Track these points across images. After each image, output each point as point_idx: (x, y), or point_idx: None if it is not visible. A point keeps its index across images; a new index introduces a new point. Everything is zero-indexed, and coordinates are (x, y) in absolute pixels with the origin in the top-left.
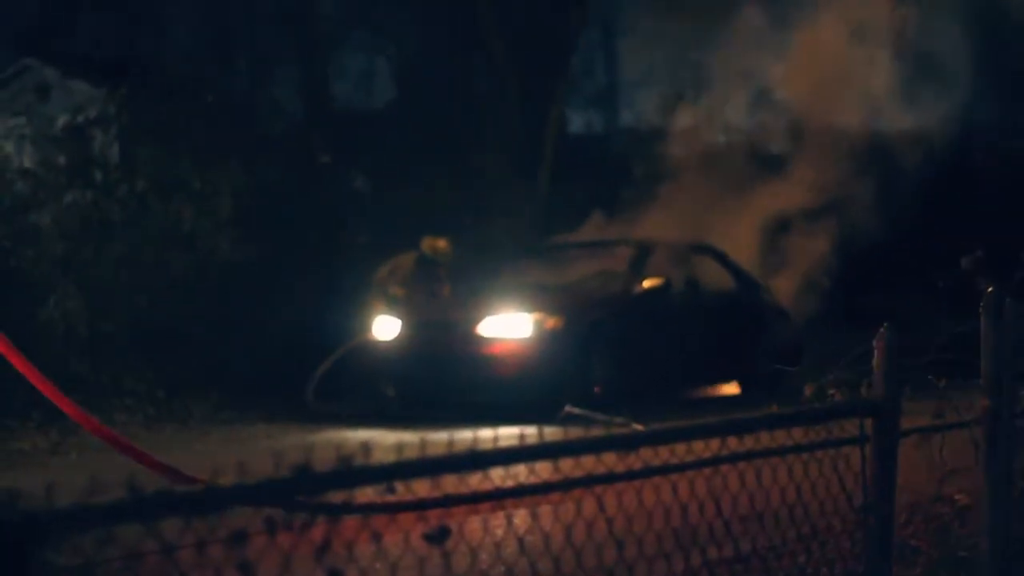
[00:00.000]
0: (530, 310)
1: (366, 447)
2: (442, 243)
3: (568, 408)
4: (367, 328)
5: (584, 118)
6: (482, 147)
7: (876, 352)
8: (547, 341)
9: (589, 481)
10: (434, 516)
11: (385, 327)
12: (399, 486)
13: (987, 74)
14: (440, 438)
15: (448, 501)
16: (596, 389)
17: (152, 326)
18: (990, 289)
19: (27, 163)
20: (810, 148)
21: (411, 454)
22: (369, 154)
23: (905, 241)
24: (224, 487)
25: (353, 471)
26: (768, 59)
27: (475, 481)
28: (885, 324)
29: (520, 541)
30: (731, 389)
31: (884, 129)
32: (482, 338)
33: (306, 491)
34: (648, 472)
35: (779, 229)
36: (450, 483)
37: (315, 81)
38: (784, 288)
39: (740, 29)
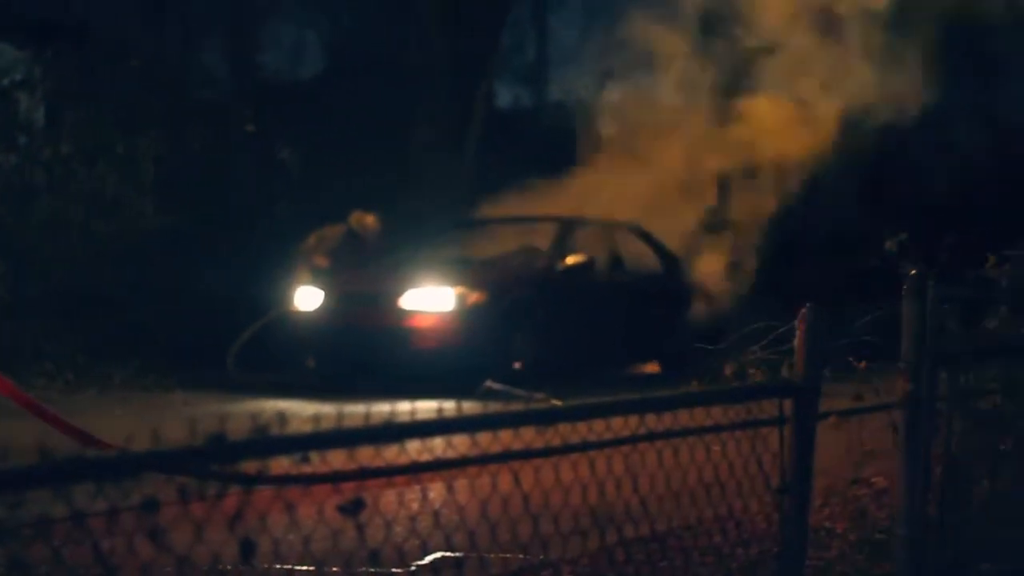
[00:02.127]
0: (453, 284)
1: (281, 417)
2: (370, 218)
3: (489, 383)
4: (290, 299)
5: (513, 93)
6: (411, 120)
7: (797, 333)
8: (469, 316)
9: (506, 456)
10: (349, 488)
11: (308, 298)
12: (314, 457)
13: (923, 59)
14: (358, 410)
15: (363, 473)
16: (517, 365)
17: (75, 291)
18: (913, 272)
19: None
20: (740, 128)
21: (327, 425)
22: (297, 125)
23: (833, 223)
24: (137, 453)
25: (267, 441)
26: (700, 36)
27: (391, 454)
28: (807, 305)
29: (436, 515)
30: (652, 367)
31: (817, 109)
32: (404, 311)
33: (219, 460)
34: (566, 449)
35: (706, 208)
36: (366, 455)
37: (244, 50)
38: (709, 267)
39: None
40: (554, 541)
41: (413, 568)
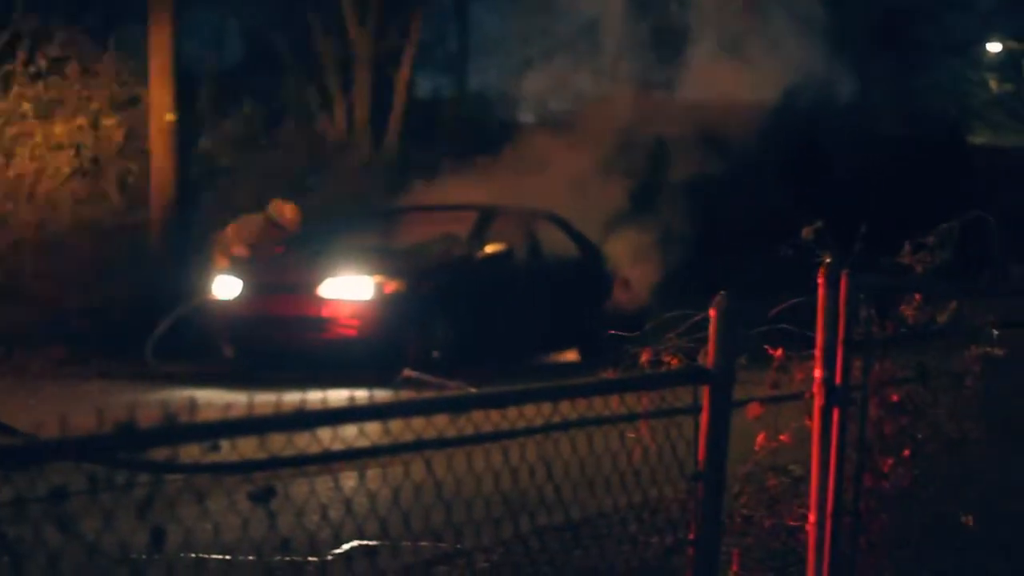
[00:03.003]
0: (371, 273)
1: (192, 405)
2: (289, 207)
3: (407, 371)
4: (209, 288)
5: (434, 82)
6: (331, 110)
7: (712, 320)
8: (387, 304)
9: (418, 445)
10: (260, 477)
11: (226, 287)
12: (224, 446)
13: (838, 49)
14: (270, 399)
15: (274, 462)
16: (435, 353)
17: None
18: (828, 260)
19: None
20: (657, 117)
21: (238, 413)
22: (216, 114)
23: (750, 211)
24: (44, 441)
25: (176, 429)
26: (618, 28)
27: (303, 443)
28: (722, 292)
29: (347, 503)
30: (571, 355)
31: (735, 100)
32: (323, 300)
33: (128, 448)
34: (479, 437)
35: (625, 197)
36: (277, 444)
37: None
38: (627, 255)
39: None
40: (468, 529)
41: (329, 557)
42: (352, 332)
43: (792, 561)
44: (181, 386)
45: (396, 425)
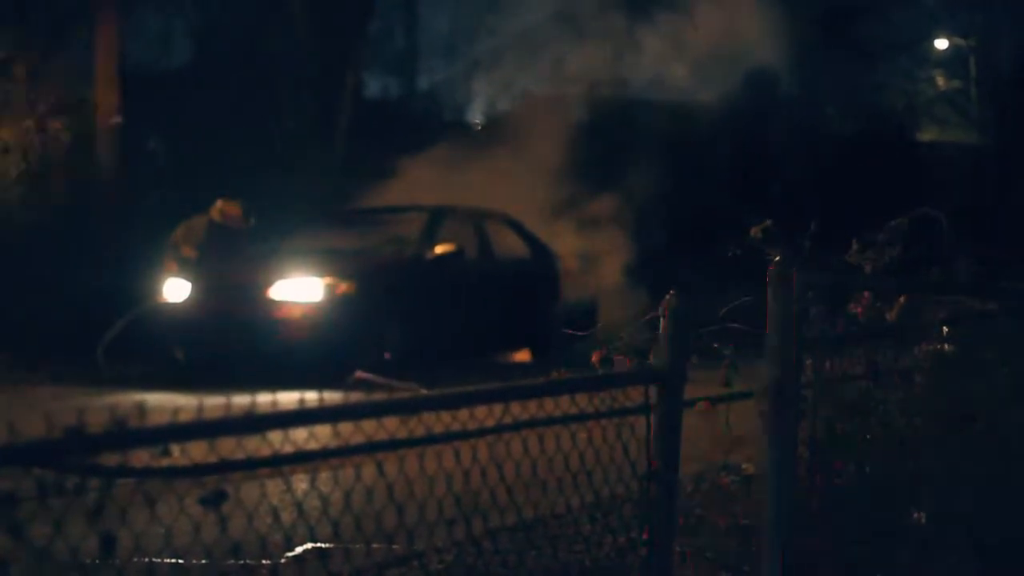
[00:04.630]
0: (322, 274)
1: (141, 409)
2: (233, 207)
3: (358, 373)
4: (159, 290)
5: (382, 82)
6: (279, 110)
7: (662, 319)
8: (338, 306)
9: (369, 447)
10: (211, 481)
11: (176, 289)
12: (175, 450)
13: (786, 48)
14: (220, 402)
15: (224, 466)
16: (387, 355)
17: None
18: (777, 259)
19: None
20: (606, 117)
21: (188, 417)
22: (165, 115)
23: (699, 210)
24: None
25: (126, 433)
26: (565, 29)
27: (253, 445)
28: (671, 291)
29: (299, 506)
30: (523, 356)
31: (683, 99)
32: (273, 302)
33: (77, 452)
34: (429, 439)
35: (574, 197)
36: (228, 447)
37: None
38: (577, 256)
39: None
40: (420, 531)
41: (282, 560)
42: (303, 334)
43: (746, 560)
44: (131, 390)
45: (346, 427)
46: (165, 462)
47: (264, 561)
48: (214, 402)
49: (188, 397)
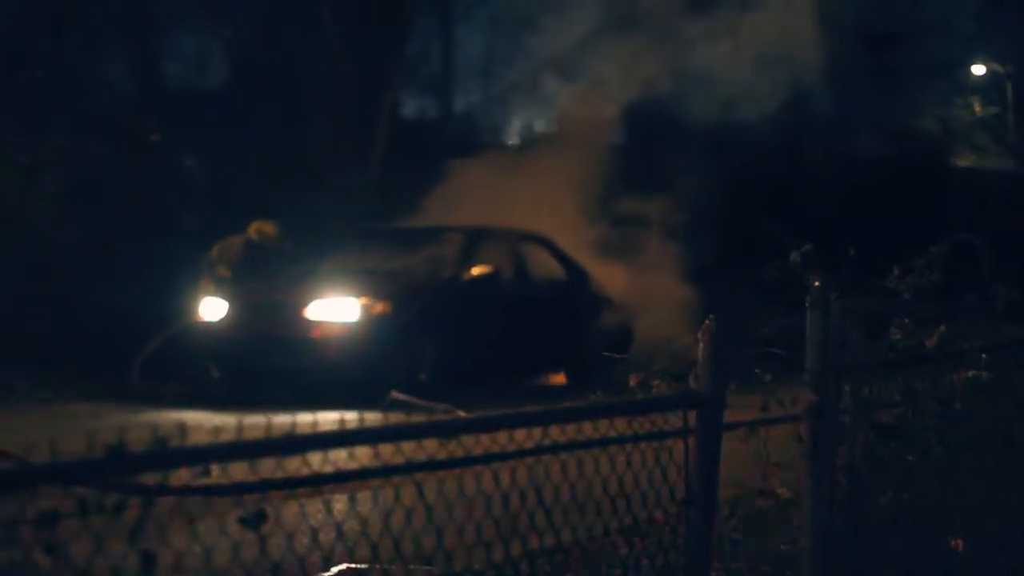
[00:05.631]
0: (358, 294)
1: (182, 428)
2: (270, 227)
3: (394, 394)
4: (195, 309)
5: (419, 103)
6: (316, 130)
7: (701, 343)
8: (374, 326)
9: (409, 468)
10: (251, 500)
11: (212, 309)
12: (215, 469)
13: (824, 72)
14: (259, 422)
15: (265, 485)
16: (422, 376)
17: None
18: (817, 284)
19: None
20: (643, 138)
21: (229, 437)
22: (202, 134)
23: (738, 233)
24: (35, 465)
25: (167, 452)
26: (603, 49)
27: (293, 466)
28: (711, 316)
29: (338, 527)
30: (558, 378)
31: (720, 120)
32: (309, 321)
33: (119, 471)
34: (469, 461)
35: (612, 219)
36: (268, 467)
37: (147, 59)
38: (614, 277)
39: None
40: (458, 553)
41: None
42: (338, 354)
43: None
44: (167, 408)
45: (386, 448)
46: (205, 481)
47: None
48: (253, 421)
49: (224, 416)
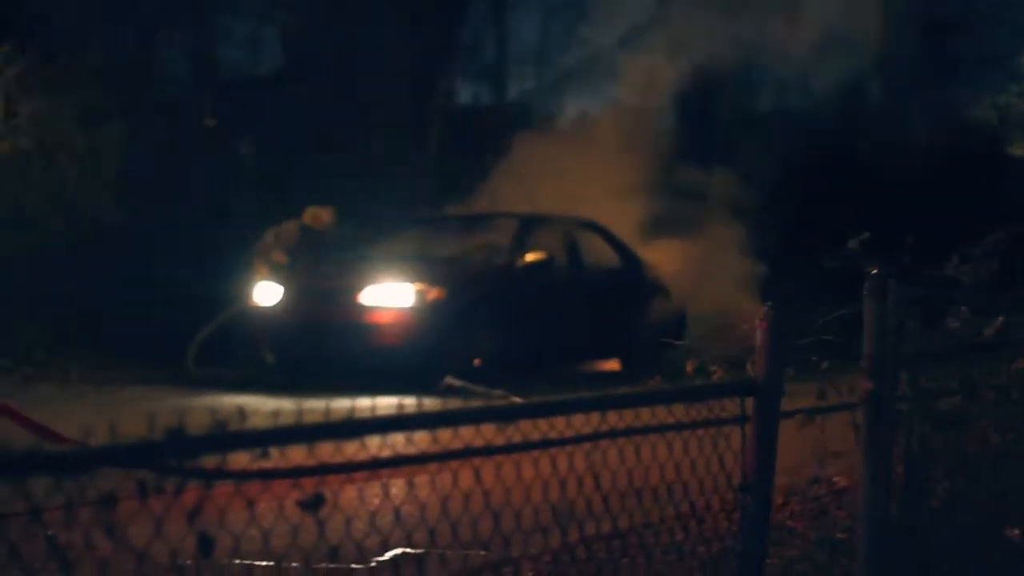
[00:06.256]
0: (412, 280)
1: (241, 412)
2: (325, 213)
3: (448, 379)
4: (250, 294)
5: (473, 90)
6: (370, 116)
7: (759, 331)
8: (428, 312)
9: (467, 453)
10: (309, 484)
11: (267, 294)
12: (273, 453)
13: (883, 58)
14: (317, 406)
15: (323, 469)
16: (477, 361)
17: (34, 286)
18: (874, 272)
19: None
20: (698, 124)
21: (288, 421)
22: (257, 120)
23: (796, 220)
24: (94, 448)
25: (226, 436)
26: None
27: (352, 450)
28: (768, 303)
29: (396, 511)
30: (612, 365)
31: (778, 104)
32: (363, 307)
33: (178, 454)
34: (527, 446)
35: (666, 205)
36: (326, 451)
37: (204, 45)
38: (668, 264)
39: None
40: (516, 538)
41: (373, 564)
42: (393, 339)
43: (837, 574)
44: (222, 392)
45: (444, 433)
46: (264, 465)
47: (358, 565)
48: (312, 405)
49: (280, 400)
